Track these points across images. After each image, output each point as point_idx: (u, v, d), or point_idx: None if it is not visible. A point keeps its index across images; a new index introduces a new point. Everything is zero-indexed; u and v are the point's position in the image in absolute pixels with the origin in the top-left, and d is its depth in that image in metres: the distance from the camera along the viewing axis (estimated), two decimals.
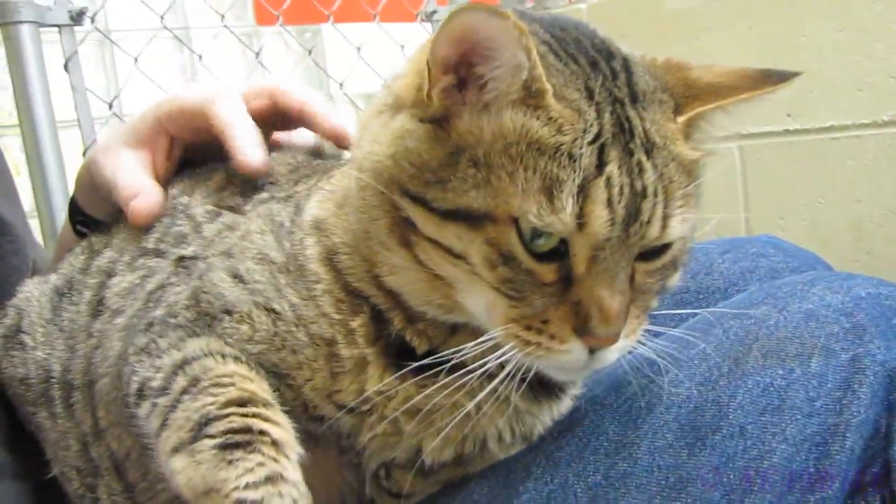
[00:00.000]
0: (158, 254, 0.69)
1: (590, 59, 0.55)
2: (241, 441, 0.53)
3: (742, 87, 0.56)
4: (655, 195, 0.53)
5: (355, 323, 0.59)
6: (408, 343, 0.59)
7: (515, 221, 0.52)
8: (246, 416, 0.54)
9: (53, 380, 0.75)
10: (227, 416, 0.54)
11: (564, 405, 0.67)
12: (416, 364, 0.59)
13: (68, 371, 0.74)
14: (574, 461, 0.61)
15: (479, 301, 0.55)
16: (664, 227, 0.54)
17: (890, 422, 0.60)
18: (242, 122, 0.73)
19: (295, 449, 0.54)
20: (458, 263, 0.54)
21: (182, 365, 0.58)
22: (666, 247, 0.56)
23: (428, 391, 0.58)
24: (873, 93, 1.57)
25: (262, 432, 0.53)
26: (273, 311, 0.59)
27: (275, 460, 0.52)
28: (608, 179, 0.52)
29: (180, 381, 0.57)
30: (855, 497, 0.59)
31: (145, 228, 0.73)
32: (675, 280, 0.60)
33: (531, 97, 0.52)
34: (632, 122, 0.53)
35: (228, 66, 2.11)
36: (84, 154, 1.51)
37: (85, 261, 0.79)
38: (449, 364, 0.57)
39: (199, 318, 0.61)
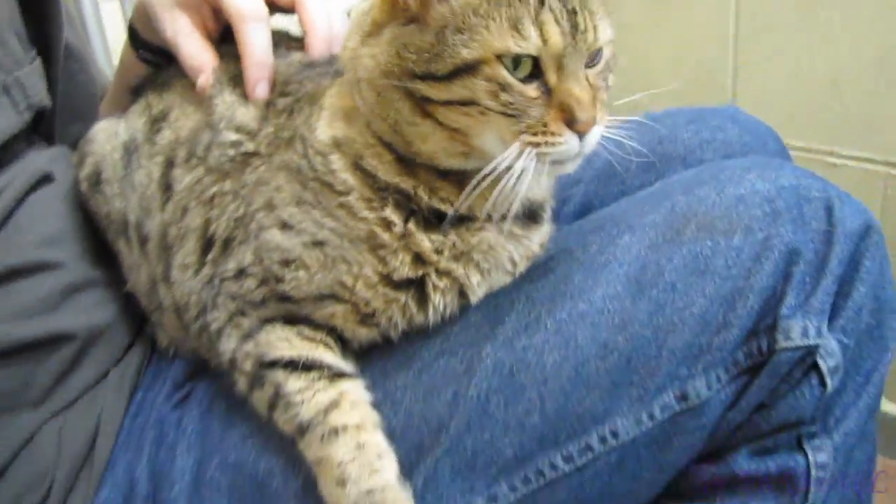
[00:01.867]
0: (208, 169, 0.85)
1: None
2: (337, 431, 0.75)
3: None
4: (582, 11, 0.70)
5: (387, 212, 0.75)
6: (436, 208, 0.76)
7: (500, 58, 0.69)
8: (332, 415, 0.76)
9: (130, 225, 0.91)
10: (320, 422, 0.75)
11: (545, 229, 0.85)
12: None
13: (143, 225, 0.90)
14: (547, 300, 0.79)
15: (491, 135, 0.72)
16: (596, 33, 0.70)
17: (784, 287, 0.78)
18: (261, 55, 0.85)
19: (373, 419, 0.77)
20: (469, 111, 0.71)
21: (261, 370, 0.79)
22: (600, 52, 0.73)
23: (463, 235, 0.76)
24: None
25: (345, 427, 0.75)
26: (318, 242, 0.76)
27: (359, 429, 0.75)
28: (550, 7, 0.68)
29: (267, 391, 0.78)
30: (749, 339, 0.78)
31: (194, 128, 0.88)
32: (612, 80, 0.77)
33: None
34: None
35: None
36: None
37: (146, 126, 0.92)
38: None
39: (267, 287, 0.78)
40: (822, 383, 0.79)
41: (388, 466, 0.74)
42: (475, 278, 0.79)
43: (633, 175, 1.01)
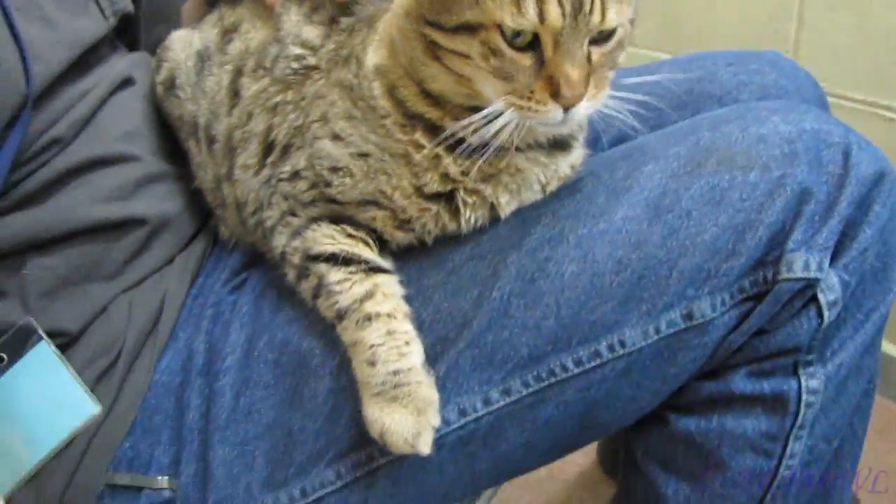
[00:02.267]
0: (273, 80, 0.93)
1: None
2: (371, 318, 0.83)
3: None
4: None
5: (417, 135, 0.82)
6: (460, 137, 0.81)
7: (499, 27, 0.73)
8: (367, 304, 0.84)
9: (199, 127, 1.00)
10: (356, 309, 0.84)
11: (576, 154, 0.91)
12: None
13: (211, 127, 0.98)
14: (571, 217, 0.86)
15: (488, 86, 0.77)
16: (603, 17, 0.73)
17: (793, 223, 0.84)
18: None
19: (403, 310, 0.85)
20: (468, 62, 0.77)
21: (307, 262, 0.87)
22: (612, 33, 0.76)
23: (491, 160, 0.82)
24: None
25: (378, 314, 0.83)
26: (363, 154, 0.84)
27: (390, 317, 0.83)
28: None
29: (312, 281, 0.87)
30: (755, 268, 0.84)
31: (262, 41, 0.96)
32: (622, 57, 0.80)
33: None
34: None
35: None
36: None
37: (219, 35, 1.00)
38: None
39: (316, 190, 0.87)
40: (820, 315, 0.85)
41: (414, 352, 0.83)
42: (504, 197, 0.87)
43: (669, 111, 1.06)
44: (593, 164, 0.92)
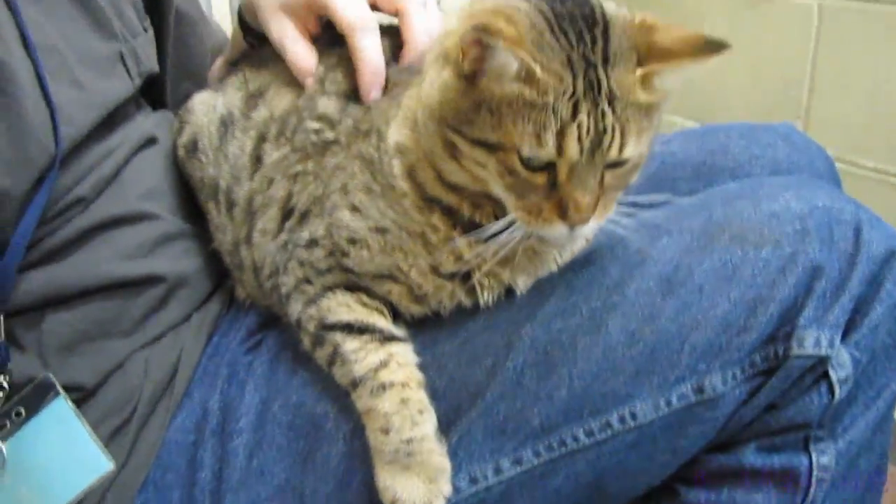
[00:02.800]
0: (293, 149, 0.94)
1: (577, 30, 0.74)
2: (385, 387, 0.84)
3: (686, 54, 0.74)
4: (614, 132, 0.73)
5: (434, 218, 0.83)
6: (477, 223, 0.83)
7: (517, 149, 0.75)
8: (382, 372, 0.85)
9: (220, 190, 1.01)
10: (370, 377, 0.85)
11: (589, 227, 0.85)
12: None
13: (232, 191, 1.00)
14: (584, 289, 0.87)
15: (501, 193, 0.79)
16: (621, 151, 0.74)
17: (805, 300, 0.85)
18: (375, 63, 0.91)
19: (417, 379, 0.85)
20: (484, 169, 0.78)
21: (322, 331, 0.88)
22: (627, 160, 0.77)
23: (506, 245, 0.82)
24: None
25: (392, 383, 0.84)
26: (381, 229, 0.85)
27: (404, 386, 0.84)
28: (579, 125, 0.72)
29: (327, 349, 0.88)
30: (766, 344, 0.85)
31: (287, 109, 0.97)
32: (634, 178, 0.81)
33: (525, 76, 0.72)
34: (600, 81, 0.72)
35: None
36: None
37: (243, 100, 1.02)
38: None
39: (333, 259, 0.88)
40: (831, 391, 0.86)
41: (427, 421, 0.83)
42: (521, 279, 0.88)
43: (682, 182, 1.08)
44: (606, 236, 0.94)
